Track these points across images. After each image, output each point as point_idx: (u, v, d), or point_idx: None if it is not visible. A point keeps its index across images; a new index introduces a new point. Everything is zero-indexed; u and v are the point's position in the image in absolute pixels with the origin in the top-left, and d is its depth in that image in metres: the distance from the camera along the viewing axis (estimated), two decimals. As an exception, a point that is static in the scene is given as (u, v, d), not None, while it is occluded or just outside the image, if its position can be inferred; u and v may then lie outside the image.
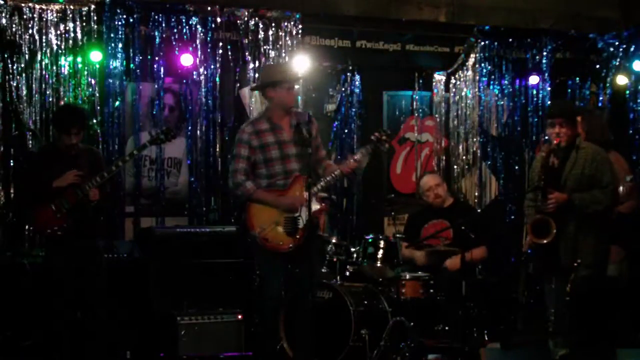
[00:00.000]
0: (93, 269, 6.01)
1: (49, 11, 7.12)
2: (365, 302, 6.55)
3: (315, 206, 5.64)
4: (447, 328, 6.56)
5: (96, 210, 5.99)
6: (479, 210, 8.31)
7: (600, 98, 8.98)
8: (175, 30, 7.52)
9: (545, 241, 5.63)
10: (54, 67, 7.17)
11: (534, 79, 8.67)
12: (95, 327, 6.00)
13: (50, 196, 5.85)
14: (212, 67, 7.67)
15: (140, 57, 7.44)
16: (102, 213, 6.25)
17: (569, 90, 8.96)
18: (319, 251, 6.40)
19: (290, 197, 5.65)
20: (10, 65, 7.05)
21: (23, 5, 7.04)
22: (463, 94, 8.61)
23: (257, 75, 7.68)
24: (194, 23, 7.56)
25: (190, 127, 7.68)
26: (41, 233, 6.06)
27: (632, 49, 8.70)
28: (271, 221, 5.64)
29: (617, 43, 8.79)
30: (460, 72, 8.62)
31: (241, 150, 5.73)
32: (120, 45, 7.31)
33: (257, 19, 7.73)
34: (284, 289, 6.00)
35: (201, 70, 7.63)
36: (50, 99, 7.15)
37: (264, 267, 5.82)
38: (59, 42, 7.17)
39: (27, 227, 6.96)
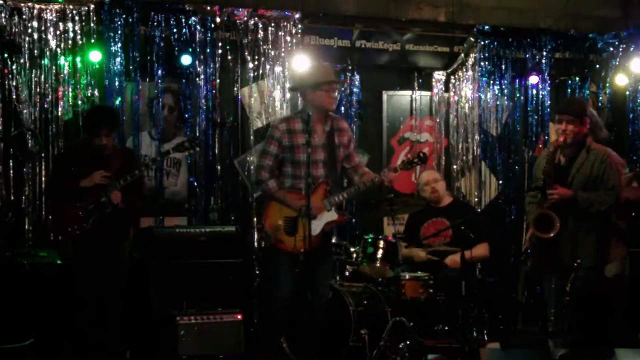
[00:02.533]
0: (115, 268, 6.08)
1: (48, 11, 7.11)
2: (365, 302, 6.55)
3: (333, 216, 5.62)
4: (447, 328, 6.55)
5: (123, 211, 6.00)
6: (478, 210, 8.32)
7: (600, 98, 8.98)
8: (174, 30, 7.51)
9: (551, 234, 5.61)
10: (54, 67, 7.16)
11: (533, 79, 8.67)
12: (107, 323, 6.06)
13: (77, 195, 5.90)
14: (212, 66, 7.66)
15: (140, 57, 7.43)
16: (128, 214, 6.21)
17: (569, 90, 8.96)
18: (331, 256, 6.36)
19: (311, 202, 5.51)
20: (9, 65, 7.04)
21: (22, 5, 7.03)
22: (463, 93, 8.61)
23: (254, 74, 7.70)
24: (193, 23, 7.55)
25: (189, 127, 7.68)
26: (61, 231, 6.10)
27: (632, 49, 8.70)
28: (287, 223, 5.61)
29: (616, 43, 8.79)
30: (460, 71, 8.61)
31: (270, 147, 5.68)
32: (119, 45, 7.30)
33: (256, 18, 7.72)
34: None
35: (200, 70, 7.62)
36: (50, 99, 7.16)
37: (274, 266, 5.76)
38: (58, 42, 7.16)
39: (28, 227, 6.99)
